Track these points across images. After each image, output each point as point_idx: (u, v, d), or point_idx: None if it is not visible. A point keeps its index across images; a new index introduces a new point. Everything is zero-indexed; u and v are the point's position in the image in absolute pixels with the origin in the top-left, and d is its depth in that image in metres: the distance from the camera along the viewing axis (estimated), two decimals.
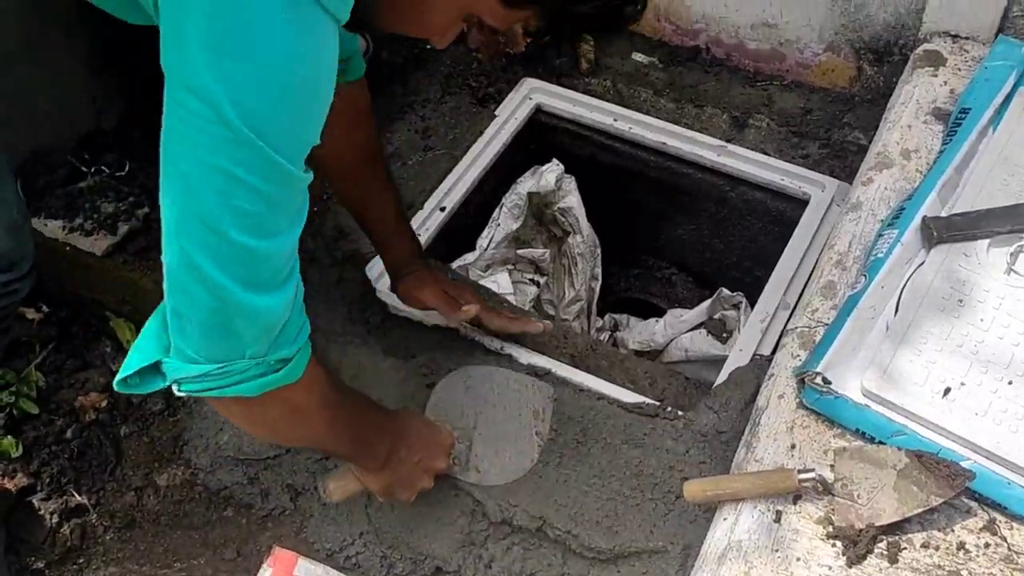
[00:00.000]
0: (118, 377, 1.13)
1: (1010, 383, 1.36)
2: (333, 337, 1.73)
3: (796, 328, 1.51)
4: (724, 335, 2.10)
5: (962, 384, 1.36)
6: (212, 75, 0.92)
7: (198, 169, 0.97)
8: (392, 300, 1.77)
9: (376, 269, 1.83)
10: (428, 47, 2.23)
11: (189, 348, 1.08)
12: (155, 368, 1.11)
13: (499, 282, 2.02)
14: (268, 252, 1.04)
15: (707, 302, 2.13)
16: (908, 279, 1.47)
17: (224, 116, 0.93)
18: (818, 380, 1.37)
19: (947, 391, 1.36)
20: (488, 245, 2.09)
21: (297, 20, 0.94)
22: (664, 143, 2.06)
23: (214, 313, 1.04)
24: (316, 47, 0.97)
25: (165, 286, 1.05)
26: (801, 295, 1.71)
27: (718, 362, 1.85)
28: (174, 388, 1.11)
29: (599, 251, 2.24)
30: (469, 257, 2.07)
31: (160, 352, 1.10)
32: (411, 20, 1.15)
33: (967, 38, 1.81)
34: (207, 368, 1.08)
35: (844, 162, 1.99)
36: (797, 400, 1.41)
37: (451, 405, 1.59)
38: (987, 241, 1.50)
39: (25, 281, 1.29)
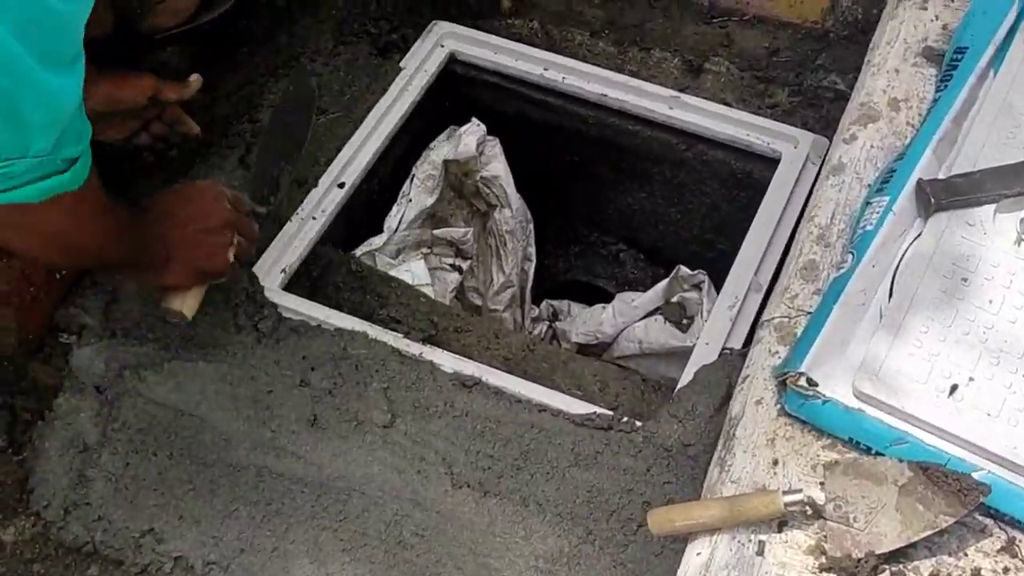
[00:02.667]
0: None
1: None
2: (215, 348, 1.70)
3: (773, 318, 1.50)
4: (684, 321, 2.12)
5: (971, 380, 1.36)
6: None
7: None
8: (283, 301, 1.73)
9: (264, 267, 1.80)
10: None
11: None
12: None
13: (413, 271, 2.02)
14: (73, 13, 1.12)
15: (663, 283, 2.15)
16: (903, 256, 1.47)
17: None
18: (802, 381, 1.36)
19: (954, 388, 1.36)
20: (398, 226, 2.08)
21: None
22: (605, 95, 2.06)
23: (2, 96, 1.09)
24: None
25: None
26: (776, 276, 1.70)
27: (679, 355, 1.85)
28: None
29: (532, 227, 2.25)
30: (376, 241, 2.05)
31: None
32: None
33: None
34: None
35: (819, 112, 2.01)
36: (778, 406, 1.40)
37: None
38: (993, 206, 1.50)
39: None
